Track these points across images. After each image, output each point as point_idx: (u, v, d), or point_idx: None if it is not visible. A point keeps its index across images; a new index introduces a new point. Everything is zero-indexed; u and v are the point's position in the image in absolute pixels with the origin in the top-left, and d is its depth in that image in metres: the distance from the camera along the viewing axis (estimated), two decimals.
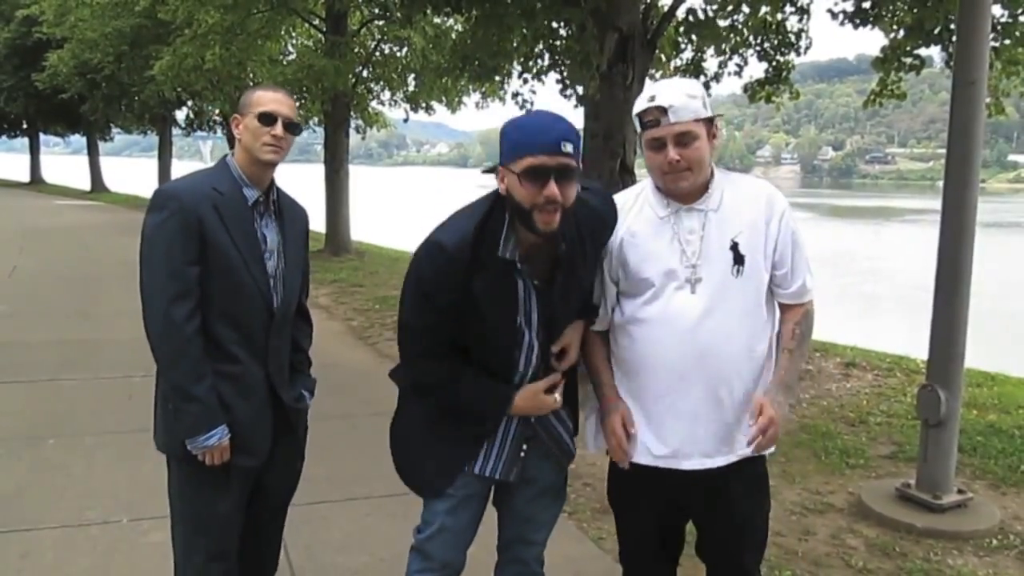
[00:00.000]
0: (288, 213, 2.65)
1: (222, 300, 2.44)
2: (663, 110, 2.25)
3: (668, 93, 2.28)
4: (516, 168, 2.11)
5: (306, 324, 2.85)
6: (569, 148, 2.10)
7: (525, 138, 2.13)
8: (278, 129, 2.48)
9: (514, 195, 2.14)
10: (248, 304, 2.49)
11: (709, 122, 2.32)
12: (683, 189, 2.33)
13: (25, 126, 39.02)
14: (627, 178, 6.58)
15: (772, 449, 2.41)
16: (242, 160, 2.53)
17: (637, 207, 2.44)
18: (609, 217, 2.40)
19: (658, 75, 8.62)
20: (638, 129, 2.36)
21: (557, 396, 2.38)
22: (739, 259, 2.32)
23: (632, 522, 2.64)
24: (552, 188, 2.07)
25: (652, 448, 2.40)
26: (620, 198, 2.48)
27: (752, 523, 2.52)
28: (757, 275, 2.34)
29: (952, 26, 6.61)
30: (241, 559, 2.70)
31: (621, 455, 2.42)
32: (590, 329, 2.49)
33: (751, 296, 2.35)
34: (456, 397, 2.37)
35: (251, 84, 15.82)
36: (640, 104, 2.31)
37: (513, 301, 2.27)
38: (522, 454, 2.44)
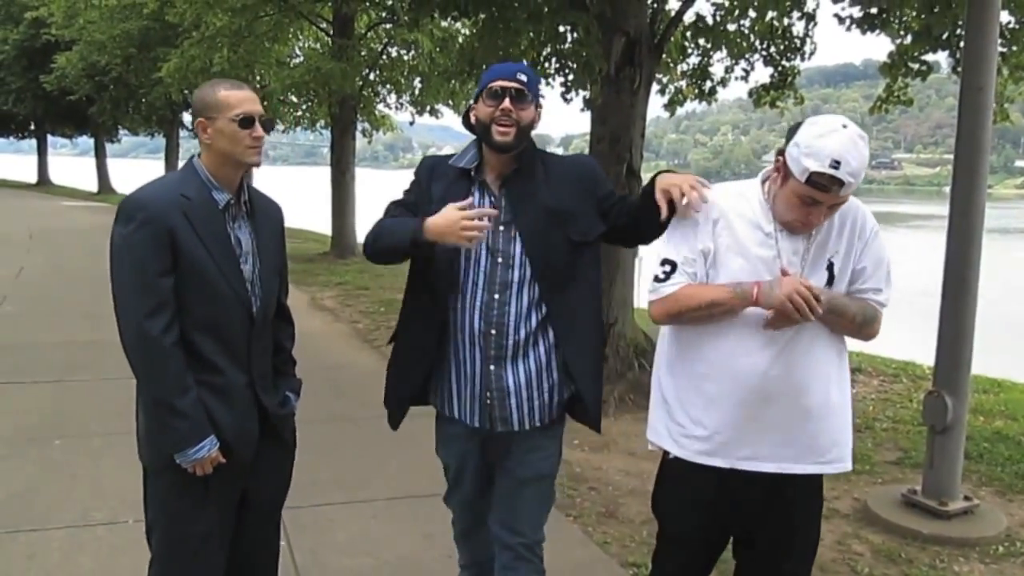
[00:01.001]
0: (261, 212, 2.55)
1: (199, 309, 2.36)
2: (841, 183, 2.15)
3: (853, 166, 2.14)
4: (484, 93, 2.53)
5: (287, 324, 2.75)
6: (523, 77, 2.52)
7: (490, 73, 2.58)
8: (259, 130, 2.40)
9: (480, 116, 2.54)
10: (227, 311, 2.41)
11: None
12: (803, 234, 2.32)
13: (33, 127, 39.14)
14: (633, 182, 6.57)
15: (847, 466, 2.44)
16: (212, 163, 2.42)
17: (736, 210, 2.36)
18: (582, 160, 2.86)
19: (665, 79, 8.63)
20: (799, 178, 2.19)
21: (476, 222, 2.40)
22: (831, 279, 2.34)
23: (685, 527, 2.54)
24: (507, 103, 2.48)
25: (726, 451, 2.37)
26: (721, 196, 2.41)
27: (809, 534, 2.50)
28: (844, 291, 2.37)
29: (960, 32, 6.60)
30: (234, 566, 2.61)
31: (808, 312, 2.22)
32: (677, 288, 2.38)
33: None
34: (381, 232, 2.63)
35: (258, 87, 15.89)
36: (816, 161, 2.14)
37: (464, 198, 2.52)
38: (488, 402, 2.57)
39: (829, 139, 2.15)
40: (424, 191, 2.65)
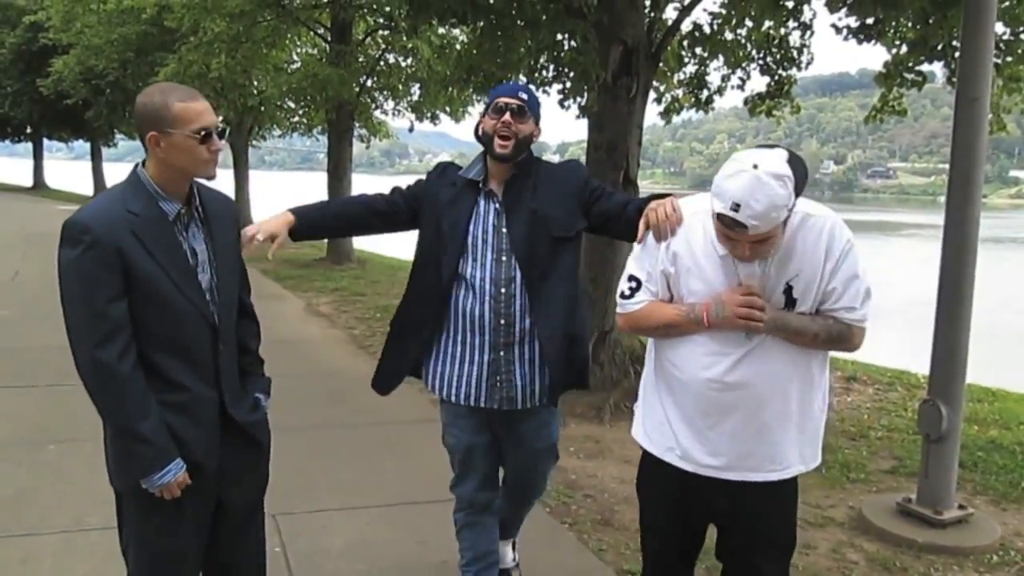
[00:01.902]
0: (213, 215, 2.43)
1: (159, 328, 2.27)
2: (742, 225, 2.14)
3: (753, 209, 2.11)
4: (490, 108, 2.91)
5: (251, 323, 2.64)
6: (523, 96, 2.91)
7: (496, 91, 2.98)
8: (217, 143, 2.29)
9: (485, 129, 2.90)
10: (189, 326, 2.32)
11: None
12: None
13: (29, 131, 39.09)
14: (630, 190, 6.58)
15: (817, 463, 2.51)
16: (161, 174, 2.28)
17: (696, 230, 2.39)
18: (569, 164, 3.15)
19: (662, 88, 8.65)
20: (713, 213, 2.22)
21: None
22: (791, 301, 2.33)
23: (660, 524, 2.67)
24: (507, 116, 2.85)
25: (691, 456, 2.46)
26: (686, 204, 2.48)
27: (778, 537, 2.54)
28: (808, 312, 2.36)
29: (955, 42, 6.64)
30: (218, 571, 2.61)
31: (756, 323, 2.31)
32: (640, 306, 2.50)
33: None
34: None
35: (255, 92, 15.91)
36: (720, 202, 2.16)
37: (467, 211, 2.92)
38: (497, 384, 2.92)
39: (733, 180, 2.14)
40: (431, 192, 3.00)
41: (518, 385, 2.92)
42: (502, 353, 2.89)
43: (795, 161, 2.22)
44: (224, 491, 2.49)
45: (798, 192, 2.20)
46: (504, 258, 2.88)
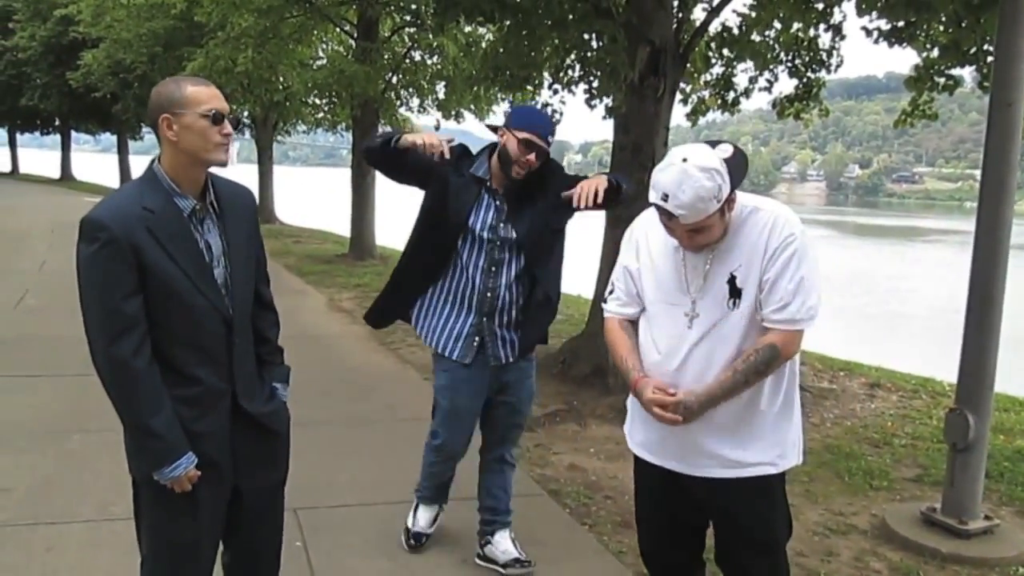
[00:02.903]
0: (228, 209, 2.44)
1: (175, 323, 2.31)
2: (671, 214, 2.29)
3: (679, 199, 2.24)
4: (519, 135, 3.27)
5: (269, 312, 2.67)
6: (550, 140, 3.33)
7: (534, 121, 3.37)
8: (228, 127, 2.31)
9: (508, 148, 3.30)
10: (203, 322, 2.35)
11: (726, 200, 2.32)
12: (696, 252, 2.45)
13: (57, 123, 39.55)
14: None
15: (788, 464, 2.56)
16: (175, 164, 2.31)
17: (657, 226, 2.48)
18: (552, 165, 3.46)
19: (688, 89, 8.61)
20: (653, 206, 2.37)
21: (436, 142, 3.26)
22: (735, 292, 2.41)
23: (648, 514, 2.81)
24: (532, 158, 3.29)
25: (657, 449, 2.61)
26: (646, 215, 2.61)
27: (754, 534, 2.59)
28: (752, 307, 2.42)
29: (987, 47, 6.56)
30: (238, 555, 2.67)
31: (671, 419, 2.44)
32: (616, 318, 2.67)
33: (750, 326, 2.43)
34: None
35: (281, 88, 16.00)
36: (652, 192, 2.30)
37: (470, 202, 3.38)
38: (475, 344, 3.46)
39: (663, 173, 2.29)
40: (442, 171, 3.38)
41: (499, 344, 3.48)
42: (484, 319, 3.43)
43: (736, 156, 2.35)
44: (241, 480, 2.51)
45: (734, 184, 2.31)
46: (499, 244, 3.39)
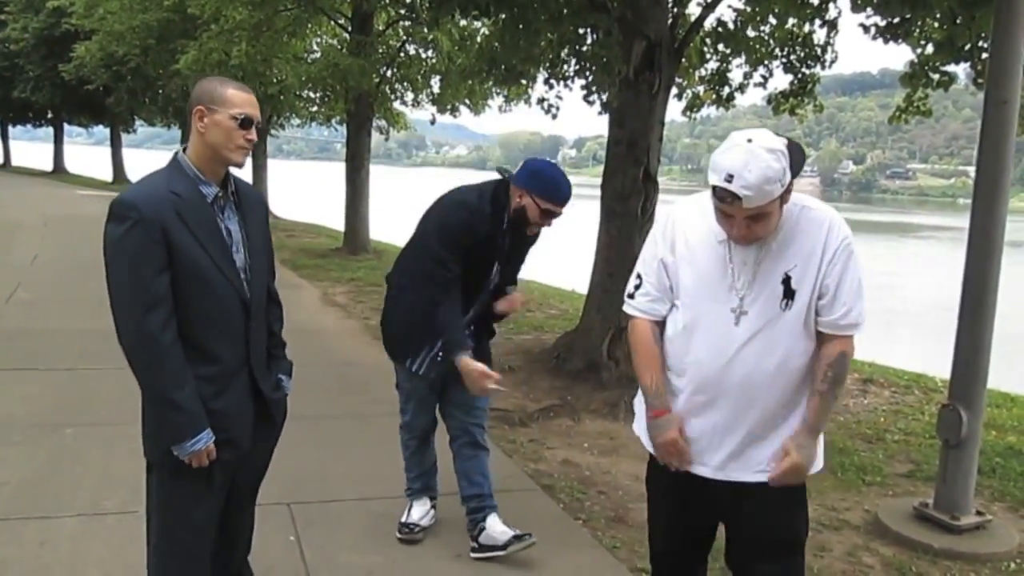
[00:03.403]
0: (246, 201, 2.61)
1: (198, 303, 2.43)
2: (736, 196, 2.17)
3: (745, 179, 2.15)
4: (541, 204, 3.45)
5: (276, 307, 2.82)
6: (567, 206, 3.51)
7: (558, 193, 3.47)
8: (253, 134, 2.47)
9: (527, 212, 3.48)
10: (224, 302, 2.49)
11: (786, 189, 2.25)
12: (747, 246, 2.34)
13: (50, 116, 39.35)
14: (650, 186, 6.56)
15: (819, 467, 2.50)
16: (199, 155, 2.47)
17: (697, 220, 2.43)
18: None
19: (684, 84, 8.60)
20: (711, 192, 2.26)
21: (491, 386, 3.45)
22: (789, 293, 2.33)
23: (662, 514, 2.72)
24: (551, 222, 3.52)
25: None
26: (682, 208, 2.52)
27: (776, 537, 2.53)
28: (805, 307, 2.35)
29: (982, 43, 6.57)
30: (219, 544, 2.75)
31: (682, 463, 2.50)
32: (646, 324, 2.54)
33: (799, 328, 2.37)
34: (442, 323, 3.53)
35: (275, 81, 15.95)
36: (714, 174, 2.20)
37: (499, 251, 3.61)
38: (438, 358, 3.64)
39: (727, 154, 2.20)
40: (482, 233, 3.53)
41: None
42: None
43: (794, 146, 2.26)
44: (237, 466, 2.63)
45: (794, 172, 2.23)
46: (493, 277, 3.68)
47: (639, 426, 2.68)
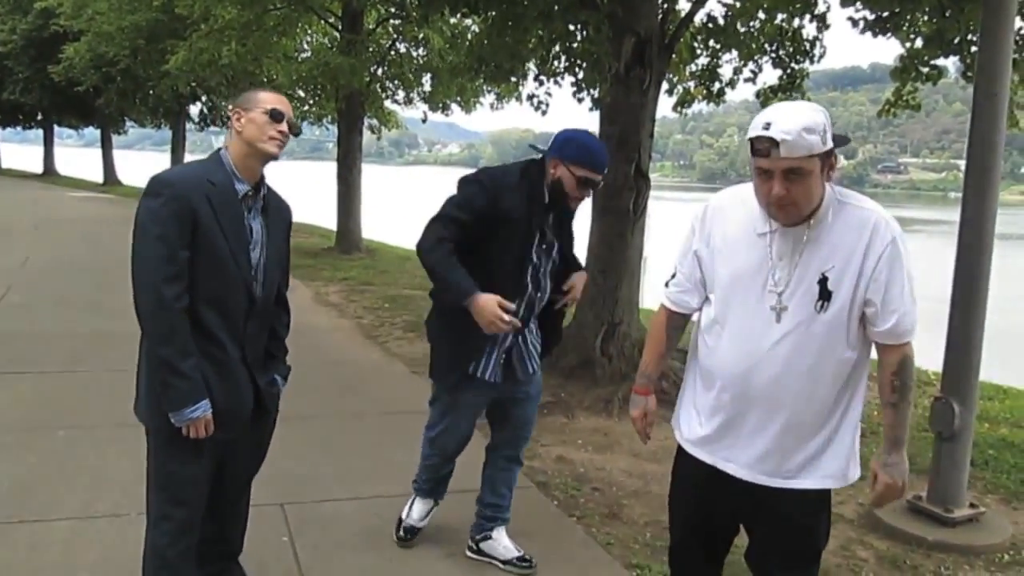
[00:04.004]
0: (274, 208, 2.81)
1: (208, 285, 2.60)
2: (774, 142, 2.12)
3: (782, 124, 2.12)
4: (576, 171, 3.17)
5: (284, 313, 2.99)
6: (606, 172, 3.24)
7: (592, 157, 3.20)
8: (284, 126, 2.68)
9: (563, 182, 3.20)
10: (232, 291, 2.65)
11: (827, 154, 2.19)
12: (785, 221, 2.26)
13: (40, 118, 39.12)
14: (641, 182, 6.55)
15: (855, 477, 2.46)
16: (237, 153, 2.68)
17: (736, 212, 2.39)
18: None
19: (675, 80, 8.60)
20: (750, 153, 2.20)
21: (506, 317, 3.08)
22: (825, 294, 2.25)
23: (683, 511, 2.68)
24: (588, 191, 3.26)
25: (712, 448, 2.47)
26: (720, 199, 2.49)
27: (796, 546, 2.48)
28: (844, 312, 2.26)
29: (971, 36, 6.58)
30: (207, 537, 2.89)
31: (644, 438, 2.70)
32: (667, 313, 2.62)
33: (835, 332, 2.28)
34: (443, 271, 3.18)
35: (265, 80, 15.91)
36: (753, 129, 2.17)
37: (535, 232, 3.28)
38: (502, 360, 3.38)
39: (768, 108, 2.23)
40: (491, 207, 3.20)
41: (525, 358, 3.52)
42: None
43: (838, 136, 2.24)
44: (227, 456, 2.80)
45: (836, 144, 2.20)
46: (542, 271, 3.38)
47: (675, 418, 2.64)
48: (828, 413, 2.35)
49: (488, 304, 3.07)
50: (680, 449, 2.59)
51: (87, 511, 4.02)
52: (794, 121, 2.11)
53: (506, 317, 3.08)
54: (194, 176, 2.63)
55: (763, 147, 2.14)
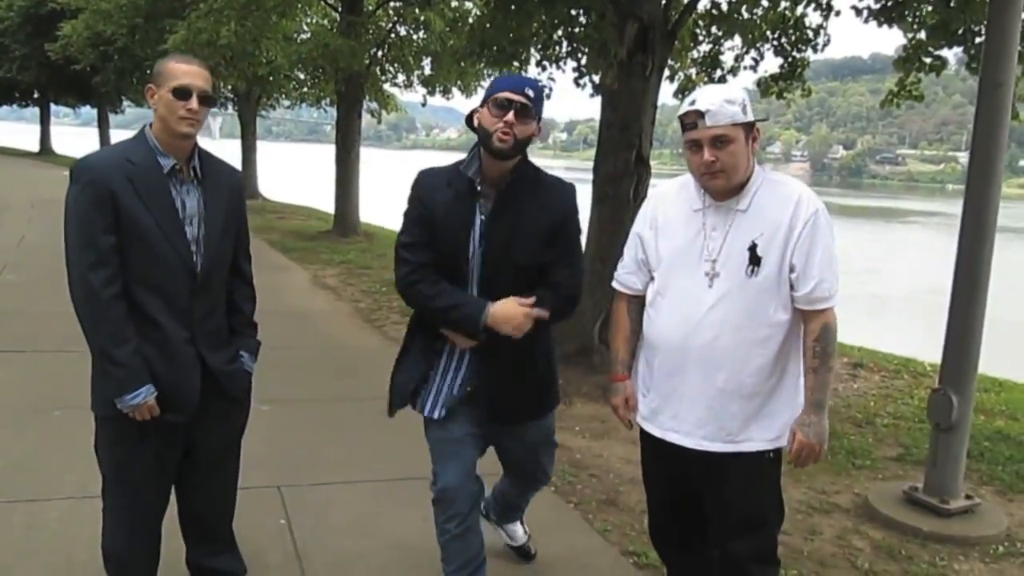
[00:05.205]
0: (211, 179, 2.69)
1: (141, 267, 2.54)
2: (700, 114, 2.38)
3: (706, 98, 2.39)
4: (491, 104, 2.61)
5: (245, 286, 2.89)
6: (530, 92, 2.61)
7: (500, 82, 2.70)
8: (193, 103, 2.53)
9: (483, 124, 2.63)
10: (168, 270, 2.57)
11: (749, 127, 2.44)
12: (717, 188, 2.48)
13: (36, 96, 38.92)
14: (642, 169, 6.53)
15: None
16: (158, 129, 2.58)
17: (677, 196, 2.62)
18: (564, 196, 2.79)
19: (677, 66, 8.56)
20: (681, 132, 2.45)
21: (531, 311, 2.65)
22: (755, 260, 2.44)
23: (651, 488, 2.83)
24: (510, 116, 2.57)
25: (658, 420, 2.63)
26: (664, 186, 2.72)
27: (742, 512, 2.59)
28: (773, 277, 2.45)
29: (975, 27, 6.55)
30: (188, 521, 2.93)
31: (626, 423, 2.77)
32: (624, 298, 2.73)
33: (765, 296, 2.46)
34: (439, 302, 2.70)
35: (264, 61, 15.81)
36: (682, 108, 2.43)
37: (468, 220, 2.69)
38: (454, 394, 2.82)
39: (692, 93, 2.48)
40: (426, 208, 2.74)
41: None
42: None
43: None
44: (191, 436, 2.74)
45: (757, 119, 2.46)
46: (482, 268, 2.72)
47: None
48: (766, 376, 2.50)
49: (506, 307, 2.65)
50: (642, 432, 2.73)
51: (84, 491, 4.00)
52: (715, 94, 2.40)
53: (531, 310, 2.65)
54: (112, 157, 2.57)
55: (691, 120, 2.40)
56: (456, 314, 2.68)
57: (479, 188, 2.70)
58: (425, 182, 2.78)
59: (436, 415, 2.84)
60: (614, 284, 2.77)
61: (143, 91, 2.93)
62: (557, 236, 2.74)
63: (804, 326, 2.50)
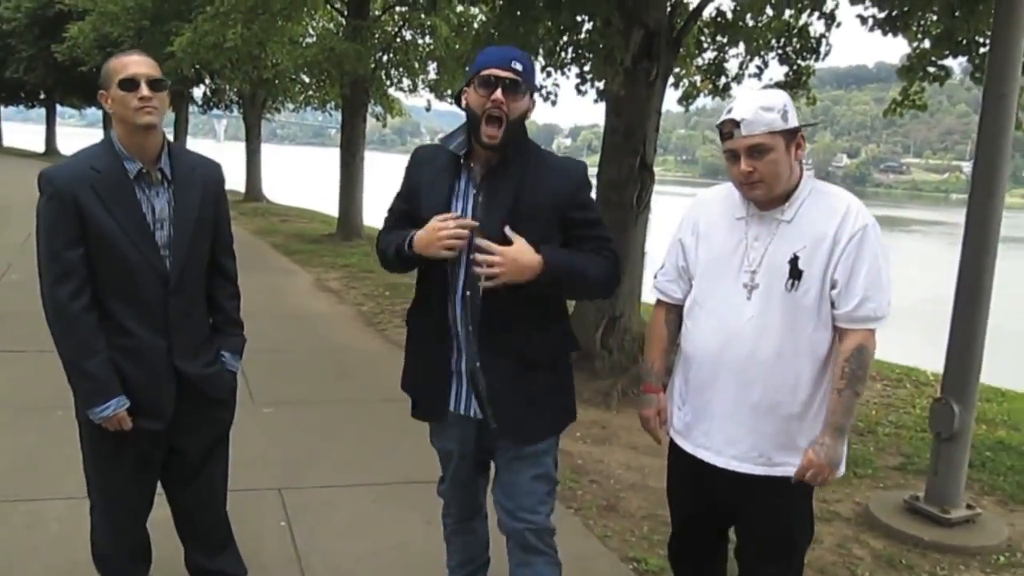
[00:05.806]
0: (182, 179, 2.61)
1: (111, 276, 2.51)
2: (735, 123, 2.29)
3: (742, 106, 2.31)
4: (477, 83, 2.40)
5: (227, 284, 2.83)
6: (517, 66, 2.39)
7: (484, 57, 2.46)
8: (143, 91, 2.46)
9: (471, 105, 2.43)
10: (138, 277, 2.53)
11: (791, 133, 2.32)
12: (757, 199, 2.38)
13: (42, 97, 39.07)
14: (646, 175, 6.53)
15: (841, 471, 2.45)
16: (121, 133, 2.54)
17: (721, 202, 2.53)
18: (569, 169, 2.55)
19: (681, 73, 8.58)
20: (720, 142, 2.37)
21: (449, 223, 2.40)
22: (795, 274, 2.32)
23: (675, 503, 2.76)
24: (498, 94, 2.36)
25: (692, 435, 2.53)
26: (708, 192, 2.63)
27: (772, 537, 2.51)
28: (815, 292, 2.32)
29: (979, 37, 6.55)
30: (178, 523, 2.94)
31: (655, 438, 2.71)
32: (663, 307, 2.65)
33: (804, 312, 2.33)
34: (384, 245, 2.66)
35: (270, 65, 15.86)
36: (720, 117, 2.36)
37: (446, 190, 2.51)
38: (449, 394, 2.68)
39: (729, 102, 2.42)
40: (413, 178, 2.64)
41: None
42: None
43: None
44: (174, 438, 2.71)
45: (801, 126, 2.35)
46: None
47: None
48: (804, 397, 2.37)
49: (425, 232, 2.44)
50: (670, 440, 2.65)
51: (84, 491, 3.97)
52: (751, 101, 2.31)
53: (449, 223, 2.41)
54: (78, 166, 2.52)
55: (727, 130, 2.32)
56: (392, 252, 2.59)
57: (462, 162, 2.51)
58: (417, 155, 2.71)
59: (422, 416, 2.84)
60: (655, 293, 2.66)
61: None
62: (570, 214, 2.50)
63: (840, 342, 2.35)
